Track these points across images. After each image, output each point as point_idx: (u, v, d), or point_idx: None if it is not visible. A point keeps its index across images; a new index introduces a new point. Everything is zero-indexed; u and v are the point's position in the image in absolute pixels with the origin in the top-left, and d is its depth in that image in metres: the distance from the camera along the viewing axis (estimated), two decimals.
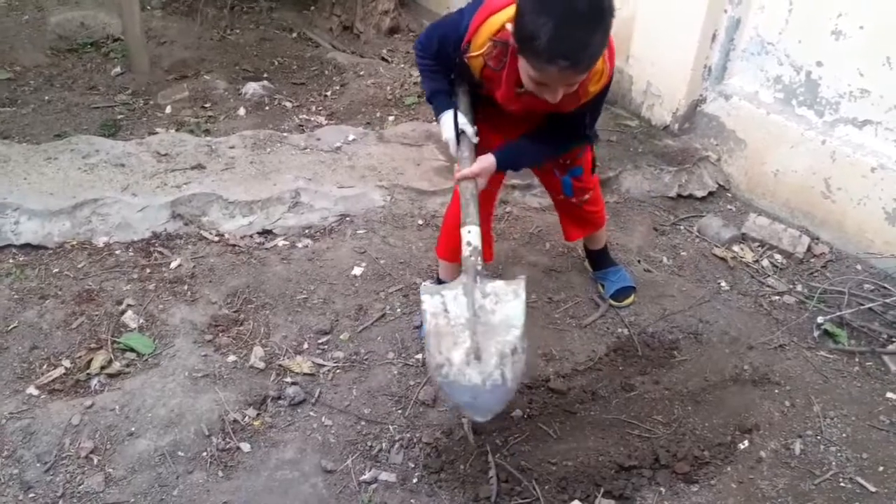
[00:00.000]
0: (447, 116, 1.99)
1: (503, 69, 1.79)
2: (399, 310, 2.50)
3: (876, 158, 2.82)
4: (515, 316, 1.76)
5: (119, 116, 3.52)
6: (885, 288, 2.67)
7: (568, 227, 2.53)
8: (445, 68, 2.02)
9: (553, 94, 1.67)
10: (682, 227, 3.11)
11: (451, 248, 2.27)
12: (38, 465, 1.92)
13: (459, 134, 2.00)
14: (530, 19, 1.54)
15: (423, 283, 1.94)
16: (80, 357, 2.23)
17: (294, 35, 4.58)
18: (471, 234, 1.85)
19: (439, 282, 2.41)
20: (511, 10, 1.67)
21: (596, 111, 1.99)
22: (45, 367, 2.20)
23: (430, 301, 1.80)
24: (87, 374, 2.18)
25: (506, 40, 1.72)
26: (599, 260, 2.66)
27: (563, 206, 2.44)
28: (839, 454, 2.09)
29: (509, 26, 1.67)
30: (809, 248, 2.97)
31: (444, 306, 1.79)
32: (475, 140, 2.00)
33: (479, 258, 1.84)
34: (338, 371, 2.25)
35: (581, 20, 1.51)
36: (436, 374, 1.76)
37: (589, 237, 2.59)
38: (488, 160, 1.97)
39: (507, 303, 1.78)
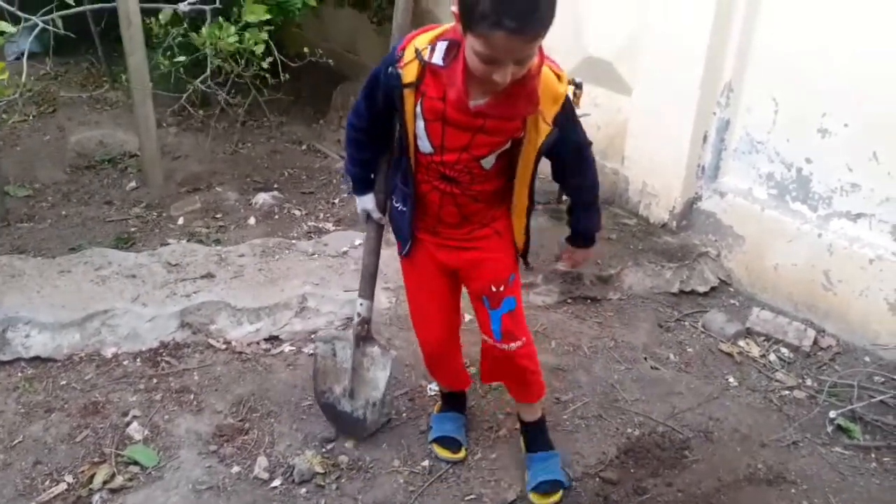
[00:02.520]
0: (360, 200, 2.11)
1: (451, 64, 1.65)
2: (405, 414, 2.48)
3: (873, 250, 2.86)
4: (380, 381, 2.25)
5: (133, 229, 3.64)
6: (894, 379, 2.64)
7: (488, 371, 2.23)
8: (373, 124, 1.91)
9: (503, 74, 1.53)
10: (686, 323, 3.12)
11: (428, 368, 2.33)
12: None
13: (368, 217, 2.13)
14: None
15: (319, 332, 2.43)
16: (82, 472, 2.21)
17: (303, 147, 4.78)
18: (362, 307, 2.22)
19: (443, 396, 2.44)
20: (440, 29, 1.70)
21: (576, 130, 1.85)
22: (47, 482, 2.18)
23: (323, 347, 2.30)
24: (90, 489, 2.15)
25: (451, 38, 1.67)
26: (533, 437, 2.25)
27: (492, 354, 2.13)
28: None
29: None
30: (816, 341, 2.96)
31: (333, 352, 2.29)
32: (382, 223, 2.13)
33: (366, 327, 2.23)
34: (342, 480, 2.21)
35: None
36: (319, 396, 2.33)
37: (522, 405, 2.25)
38: (585, 252, 2.12)
39: (377, 370, 2.26)
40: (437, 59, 1.67)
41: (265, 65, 3.81)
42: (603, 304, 3.20)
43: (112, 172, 4.26)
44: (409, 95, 1.75)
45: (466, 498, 2.17)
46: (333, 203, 4.06)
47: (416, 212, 1.96)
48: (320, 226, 3.78)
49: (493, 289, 2.00)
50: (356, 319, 2.23)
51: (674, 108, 3.39)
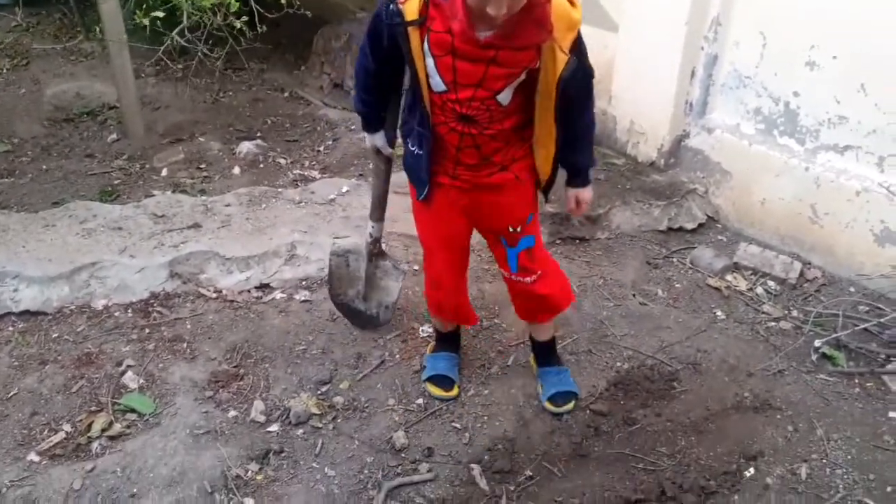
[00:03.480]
0: (370, 137, 2.11)
1: None
2: (398, 356, 2.51)
3: (859, 182, 2.87)
4: (394, 289, 2.50)
5: (116, 181, 3.59)
6: (879, 308, 2.69)
7: (519, 309, 2.28)
8: (381, 66, 1.87)
9: (496, 6, 1.51)
10: (674, 260, 3.14)
11: (434, 305, 2.31)
12: None
13: (377, 152, 2.16)
14: None
15: (334, 242, 2.61)
16: (80, 421, 2.23)
17: (285, 94, 4.70)
18: (374, 228, 2.36)
19: (438, 336, 2.43)
20: None
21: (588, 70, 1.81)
22: (45, 432, 2.20)
23: (336, 259, 2.50)
24: (88, 437, 2.17)
25: None
26: (543, 354, 2.36)
27: (511, 287, 2.19)
28: (846, 476, 2.07)
29: None
30: (802, 274, 3.00)
31: (346, 262, 2.51)
32: (391, 157, 2.17)
33: (378, 245, 2.41)
34: (339, 420, 2.24)
35: None
36: (334, 297, 2.55)
37: (535, 325, 2.32)
38: (586, 191, 2.08)
39: (390, 280, 2.50)
40: None
41: (240, 23, 3.69)
42: (591, 244, 3.21)
43: (91, 125, 4.18)
44: (413, 33, 1.69)
45: (460, 433, 2.22)
46: (318, 151, 4.02)
47: (433, 155, 1.92)
48: (306, 174, 3.75)
49: (511, 229, 2.01)
50: (368, 239, 2.40)
51: (661, 44, 3.34)
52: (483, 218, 2.05)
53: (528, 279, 2.09)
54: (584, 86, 1.82)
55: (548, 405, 2.28)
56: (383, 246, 2.51)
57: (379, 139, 2.09)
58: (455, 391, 2.33)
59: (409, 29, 1.69)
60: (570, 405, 2.28)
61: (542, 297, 2.14)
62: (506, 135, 1.86)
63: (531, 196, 2.03)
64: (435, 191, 2.00)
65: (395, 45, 1.75)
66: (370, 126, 2.08)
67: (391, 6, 1.69)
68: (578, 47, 1.70)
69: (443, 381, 2.33)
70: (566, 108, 1.80)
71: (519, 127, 1.86)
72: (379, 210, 2.31)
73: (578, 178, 2.06)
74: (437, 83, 1.76)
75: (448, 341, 2.43)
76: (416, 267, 2.93)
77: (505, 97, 1.76)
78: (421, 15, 1.66)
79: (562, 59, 1.67)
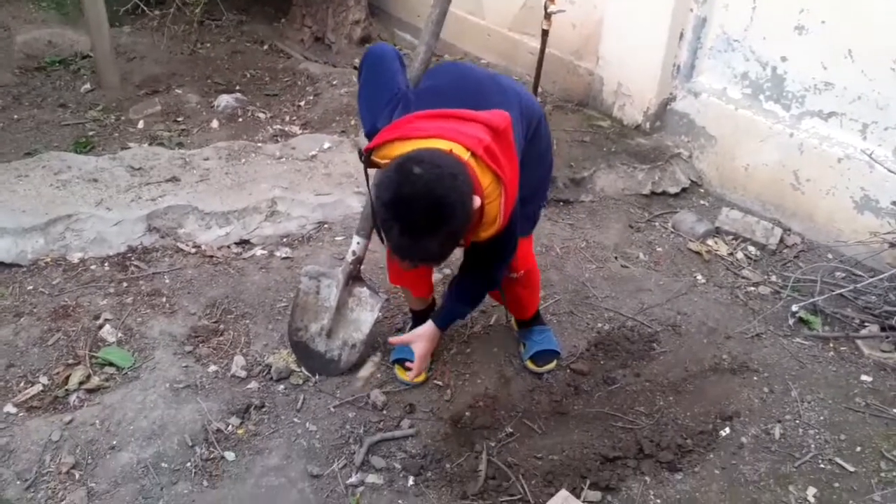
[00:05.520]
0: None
1: None
2: (380, 314, 2.49)
3: (842, 149, 2.88)
4: (365, 323, 2.25)
5: (91, 133, 3.49)
6: (855, 274, 2.73)
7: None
8: None
9: (406, 265, 1.73)
10: (656, 224, 3.15)
11: (394, 272, 2.26)
12: (18, 482, 1.89)
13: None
14: (381, 217, 1.59)
15: (308, 266, 2.34)
16: (57, 373, 2.20)
17: (265, 47, 4.58)
18: (358, 245, 2.18)
19: (412, 315, 2.39)
20: (418, 144, 1.64)
21: (509, 243, 1.88)
22: (21, 384, 2.17)
23: (307, 282, 2.25)
24: (66, 390, 2.15)
25: None
26: (528, 323, 2.37)
27: None
28: (818, 437, 2.12)
29: None
30: (782, 240, 3.03)
31: (317, 289, 2.24)
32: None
33: (358, 266, 2.22)
34: (321, 376, 2.24)
35: (420, 231, 1.54)
36: (293, 334, 2.26)
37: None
38: (428, 330, 2.07)
39: (364, 311, 2.25)
40: None
41: None
42: (575, 206, 3.21)
43: (64, 74, 4.04)
44: None
45: (442, 390, 2.23)
46: (299, 106, 3.93)
47: None
48: (286, 129, 3.67)
49: None
50: (350, 258, 2.19)
51: (650, 5, 3.30)
52: None
53: (512, 275, 2.12)
54: (483, 259, 1.92)
55: (529, 364, 2.29)
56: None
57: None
58: (422, 377, 2.25)
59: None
60: (552, 364, 2.29)
61: (518, 296, 2.23)
62: None
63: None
64: None
65: None
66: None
67: (365, 156, 1.78)
68: (499, 238, 1.80)
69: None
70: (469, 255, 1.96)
71: None
72: (369, 225, 2.14)
73: (440, 316, 2.10)
74: None
75: (421, 322, 2.34)
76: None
77: None
78: None
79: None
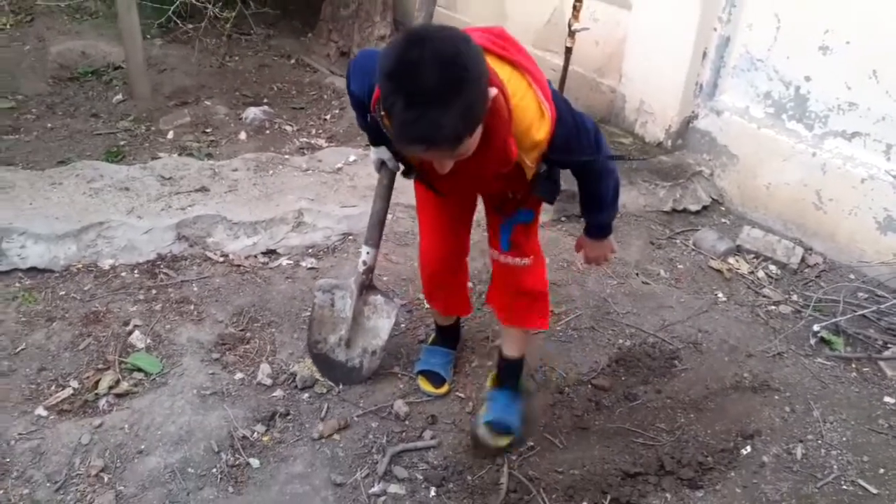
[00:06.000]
0: (374, 150, 2.02)
1: None
2: (403, 325, 2.53)
3: (866, 169, 2.88)
4: (383, 329, 2.23)
5: (122, 142, 3.58)
6: (878, 295, 2.72)
7: (499, 302, 2.07)
8: (365, 114, 1.78)
9: (440, 165, 1.50)
10: (678, 241, 3.16)
11: (428, 293, 2.25)
12: (48, 484, 1.93)
13: (382, 165, 2.03)
14: (384, 95, 1.36)
15: (321, 280, 2.31)
16: (87, 378, 2.25)
17: (292, 61, 4.67)
18: (368, 255, 2.16)
19: (437, 328, 2.39)
20: None
21: (586, 128, 1.68)
22: (53, 388, 2.22)
23: (321, 296, 2.24)
24: (96, 394, 2.20)
25: None
26: (508, 374, 2.14)
27: (497, 269, 2.03)
28: (840, 457, 2.12)
29: None
30: (803, 259, 3.02)
31: (331, 302, 2.24)
32: (397, 170, 2.01)
33: (370, 275, 2.18)
34: (345, 387, 2.27)
35: (431, 98, 1.30)
36: (312, 346, 2.27)
37: (509, 332, 2.10)
38: (598, 243, 1.96)
39: (380, 318, 2.24)
40: None
41: None
42: None
43: (96, 85, 4.15)
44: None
45: (463, 402, 2.25)
46: (325, 119, 4.00)
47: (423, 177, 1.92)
48: (312, 142, 3.74)
49: (510, 195, 1.86)
50: (361, 268, 2.18)
51: (674, 24, 3.33)
52: (481, 182, 1.85)
53: (518, 261, 1.94)
54: (581, 170, 1.76)
55: (480, 431, 2.03)
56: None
57: (384, 152, 1.99)
58: (444, 389, 2.27)
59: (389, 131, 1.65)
60: (505, 441, 2.04)
61: (527, 292, 1.99)
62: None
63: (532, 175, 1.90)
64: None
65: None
66: (375, 140, 1.98)
67: (371, 117, 1.67)
68: (553, 153, 1.62)
69: (434, 377, 2.29)
70: (576, 177, 1.79)
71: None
72: (377, 233, 2.13)
73: (591, 230, 1.97)
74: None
75: (446, 335, 2.38)
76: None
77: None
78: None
79: (530, 169, 1.64)
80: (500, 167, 1.62)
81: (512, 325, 2.07)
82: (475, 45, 1.36)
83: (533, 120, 1.54)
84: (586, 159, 1.69)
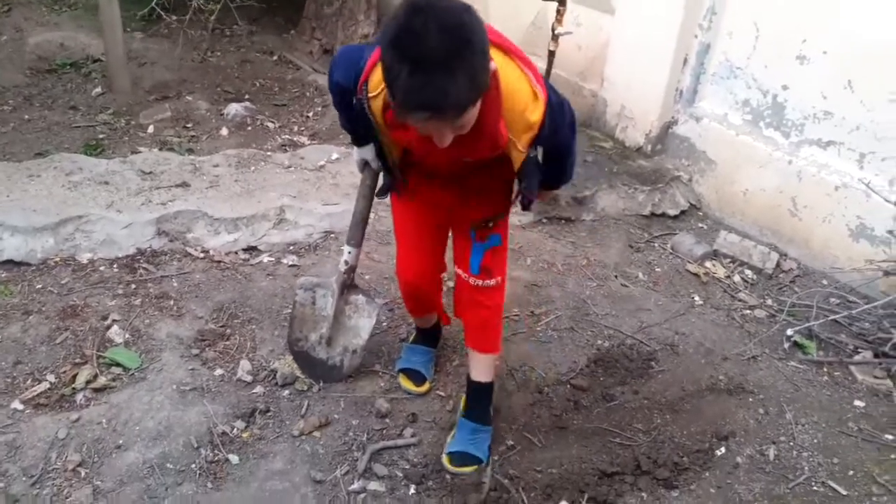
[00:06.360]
0: (357, 150, 2.02)
1: None
2: (385, 324, 2.54)
3: (840, 177, 2.95)
4: (364, 329, 2.24)
5: (101, 136, 3.53)
6: (850, 301, 2.79)
7: (468, 324, 2.08)
8: (352, 108, 1.76)
9: (440, 138, 1.49)
10: (656, 244, 3.21)
11: (405, 300, 2.26)
12: (24, 478, 1.90)
13: (365, 165, 2.04)
14: (388, 64, 1.35)
15: (302, 278, 2.28)
16: (64, 372, 2.23)
17: (274, 58, 4.64)
18: (350, 255, 2.16)
19: (417, 327, 2.41)
20: None
21: (568, 115, 1.71)
22: (29, 381, 2.19)
23: (303, 294, 2.23)
24: (73, 388, 2.17)
25: None
26: (474, 402, 2.12)
27: (463, 289, 2.03)
28: (811, 459, 2.17)
29: None
30: (778, 264, 3.09)
31: (313, 300, 2.23)
32: (380, 170, 2.02)
33: (352, 275, 2.19)
34: (325, 384, 2.27)
35: (437, 65, 1.30)
36: (293, 344, 2.26)
37: (475, 358, 2.09)
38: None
39: (361, 317, 2.24)
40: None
41: None
42: (577, 225, 3.26)
43: (75, 77, 4.09)
44: (380, 120, 1.68)
45: (444, 400, 2.26)
46: (307, 116, 3.99)
47: (402, 177, 1.94)
48: (295, 139, 3.73)
49: (485, 222, 1.92)
50: (342, 267, 2.18)
51: (656, 30, 3.38)
52: (456, 208, 1.96)
53: (488, 282, 1.97)
54: (555, 156, 1.78)
55: (445, 460, 2.03)
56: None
57: (368, 152, 1.98)
58: (425, 387, 2.28)
59: (376, 118, 1.68)
60: (468, 470, 2.01)
61: (495, 308, 2.02)
62: (476, 174, 1.87)
63: (506, 191, 1.94)
64: (410, 185, 1.97)
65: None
66: (358, 140, 1.98)
67: (357, 98, 1.65)
68: (542, 138, 1.62)
69: (414, 375, 2.30)
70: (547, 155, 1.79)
71: (490, 168, 1.84)
72: (359, 233, 2.13)
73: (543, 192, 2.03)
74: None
75: (426, 336, 2.39)
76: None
77: (468, 164, 1.78)
78: (383, 112, 1.64)
79: (519, 156, 1.64)
80: (490, 151, 1.63)
81: (475, 349, 2.09)
82: (477, 16, 1.36)
83: (527, 102, 1.55)
84: (564, 146, 1.75)
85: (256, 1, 4.38)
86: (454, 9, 1.34)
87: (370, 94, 1.63)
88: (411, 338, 2.44)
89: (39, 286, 2.54)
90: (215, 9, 4.03)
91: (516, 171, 1.71)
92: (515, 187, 1.90)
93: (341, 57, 1.79)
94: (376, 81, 1.58)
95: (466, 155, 1.67)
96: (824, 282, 3.01)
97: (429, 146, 1.59)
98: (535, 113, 1.56)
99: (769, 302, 2.89)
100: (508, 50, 1.57)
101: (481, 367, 2.11)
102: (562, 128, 1.69)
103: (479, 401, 2.12)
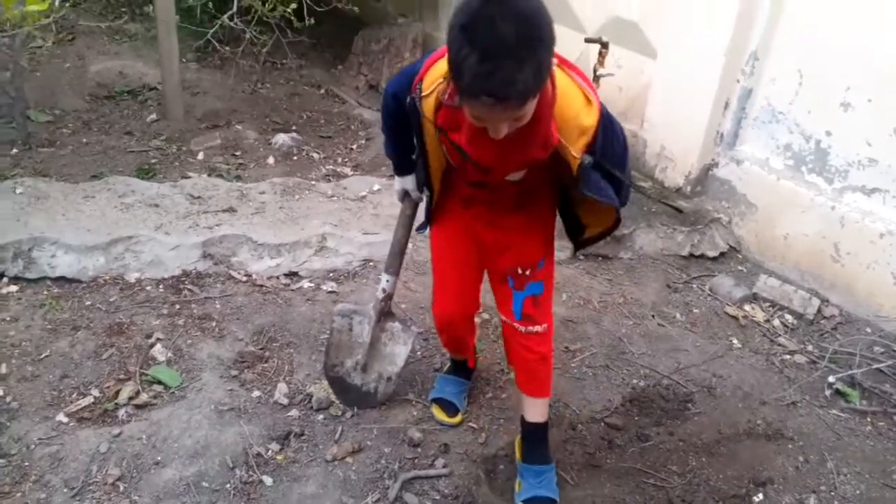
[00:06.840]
0: (399, 179, 2.06)
1: (462, 107, 1.54)
2: (420, 353, 2.56)
3: (884, 225, 2.91)
4: (399, 356, 2.28)
5: (153, 160, 3.67)
6: (894, 350, 2.72)
7: (518, 368, 2.07)
8: (402, 125, 1.82)
9: (495, 130, 1.49)
10: (694, 285, 3.19)
11: (440, 334, 2.26)
12: (65, 490, 1.96)
13: (405, 195, 2.08)
14: (456, 48, 1.36)
15: (340, 304, 2.32)
16: (108, 387, 2.29)
17: (322, 91, 4.78)
18: (387, 283, 2.19)
19: (451, 361, 2.42)
20: None
21: (618, 127, 1.66)
22: (74, 395, 2.26)
23: (340, 321, 2.26)
24: (115, 403, 2.23)
25: None
26: (532, 443, 2.09)
27: (509, 334, 2.03)
28: None
29: None
30: (819, 310, 3.03)
31: (350, 326, 2.26)
32: (420, 201, 2.07)
33: (389, 302, 2.22)
34: (359, 410, 2.29)
35: (507, 52, 1.32)
36: (329, 369, 2.28)
37: (527, 400, 2.07)
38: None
39: (397, 345, 2.28)
40: (452, 97, 1.60)
41: (289, 11, 3.83)
42: (614, 262, 3.26)
43: (132, 104, 4.26)
44: (428, 124, 1.70)
45: (476, 433, 2.26)
46: (351, 148, 4.09)
47: (441, 196, 1.96)
48: (338, 170, 3.82)
49: (520, 271, 1.91)
50: (380, 294, 2.21)
51: (697, 74, 3.40)
52: (492, 254, 1.97)
53: (533, 328, 1.95)
54: (608, 170, 1.68)
55: None
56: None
57: (409, 182, 2.03)
58: (458, 419, 2.29)
59: (425, 121, 1.70)
60: None
61: (543, 356, 2.00)
62: (520, 194, 1.85)
63: (545, 238, 1.94)
64: (445, 214, 1.99)
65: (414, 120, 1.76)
66: (400, 169, 2.03)
67: (410, 98, 1.69)
68: (599, 143, 1.60)
69: (448, 406, 2.31)
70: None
71: (534, 190, 1.84)
72: (397, 262, 2.16)
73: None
74: (449, 161, 1.82)
75: (460, 367, 2.40)
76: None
77: (515, 176, 1.76)
78: (435, 112, 1.66)
79: (575, 161, 1.61)
80: (540, 151, 1.62)
81: (525, 394, 2.07)
82: (546, 8, 1.37)
83: (580, 107, 1.57)
84: (617, 175, 1.66)
85: (307, 37, 4.54)
86: (528, 0, 1.35)
87: (423, 94, 1.65)
88: (445, 368, 2.46)
89: (89, 303, 2.63)
90: (267, 42, 4.18)
91: (573, 175, 1.65)
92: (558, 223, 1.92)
93: (396, 74, 1.84)
94: (431, 80, 1.63)
95: (517, 155, 1.65)
96: (868, 329, 2.95)
97: (479, 146, 1.61)
98: (589, 117, 1.57)
99: (810, 348, 2.84)
100: (563, 62, 1.59)
101: (535, 409, 2.07)
102: (616, 140, 1.67)
103: (537, 442, 2.09)
